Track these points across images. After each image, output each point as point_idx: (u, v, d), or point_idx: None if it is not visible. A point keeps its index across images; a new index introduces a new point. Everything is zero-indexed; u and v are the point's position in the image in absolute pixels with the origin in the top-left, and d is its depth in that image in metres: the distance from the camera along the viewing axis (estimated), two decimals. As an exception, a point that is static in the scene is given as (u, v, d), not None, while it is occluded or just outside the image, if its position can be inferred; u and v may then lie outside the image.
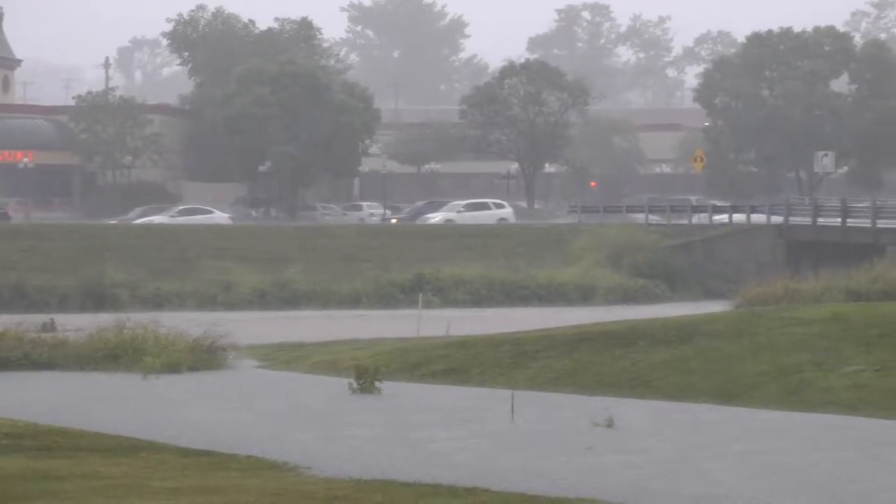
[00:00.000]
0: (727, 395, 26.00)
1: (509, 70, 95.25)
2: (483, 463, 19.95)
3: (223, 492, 16.91)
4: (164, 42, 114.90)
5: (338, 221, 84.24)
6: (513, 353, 30.50)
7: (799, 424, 23.42)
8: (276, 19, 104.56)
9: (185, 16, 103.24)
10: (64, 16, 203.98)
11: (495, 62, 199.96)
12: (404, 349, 32.84)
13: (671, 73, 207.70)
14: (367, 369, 28.36)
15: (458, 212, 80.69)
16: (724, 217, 68.77)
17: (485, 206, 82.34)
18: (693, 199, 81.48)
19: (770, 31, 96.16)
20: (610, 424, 22.98)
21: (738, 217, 67.63)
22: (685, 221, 69.19)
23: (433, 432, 22.87)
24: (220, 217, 79.11)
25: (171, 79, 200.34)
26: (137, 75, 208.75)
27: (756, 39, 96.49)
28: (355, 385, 28.04)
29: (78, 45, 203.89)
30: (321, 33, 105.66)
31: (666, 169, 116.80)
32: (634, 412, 24.71)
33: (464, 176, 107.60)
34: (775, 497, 17.48)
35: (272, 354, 35.92)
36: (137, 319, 34.86)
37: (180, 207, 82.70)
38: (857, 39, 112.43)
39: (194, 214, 78.78)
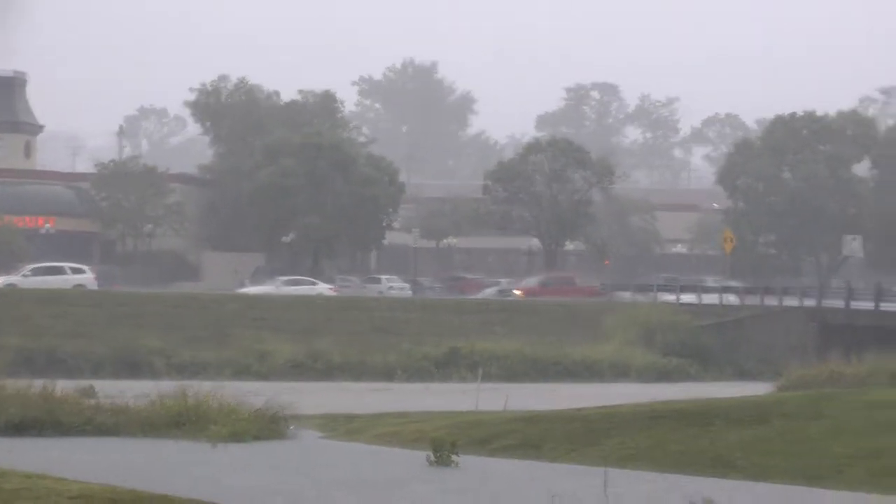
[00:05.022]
0: (813, 476, 25.74)
1: (534, 146, 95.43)
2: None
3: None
4: (176, 112, 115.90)
5: (357, 294, 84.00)
6: (584, 430, 30.28)
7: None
8: (300, 91, 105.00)
9: (208, 86, 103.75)
10: (64, 84, 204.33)
11: (503, 139, 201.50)
12: (470, 422, 32.58)
13: (678, 153, 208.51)
14: (444, 442, 28.13)
15: (24, 276, 72.22)
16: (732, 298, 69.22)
17: (60, 271, 73.08)
18: (711, 279, 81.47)
19: (793, 115, 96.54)
20: (708, 504, 22.73)
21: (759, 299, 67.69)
22: (715, 302, 69.25)
23: (531, 508, 22.63)
24: None
25: (178, 147, 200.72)
26: (143, 143, 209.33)
27: (779, 122, 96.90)
28: (433, 458, 27.83)
29: (78, 112, 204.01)
30: (343, 106, 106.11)
31: (682, 249, 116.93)
32: (728, 493, 24.44)
33: (482, 251, 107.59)
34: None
35: (329, 425, 35.69)
36: (197, 387, 34.56)
37: None
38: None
39: None
